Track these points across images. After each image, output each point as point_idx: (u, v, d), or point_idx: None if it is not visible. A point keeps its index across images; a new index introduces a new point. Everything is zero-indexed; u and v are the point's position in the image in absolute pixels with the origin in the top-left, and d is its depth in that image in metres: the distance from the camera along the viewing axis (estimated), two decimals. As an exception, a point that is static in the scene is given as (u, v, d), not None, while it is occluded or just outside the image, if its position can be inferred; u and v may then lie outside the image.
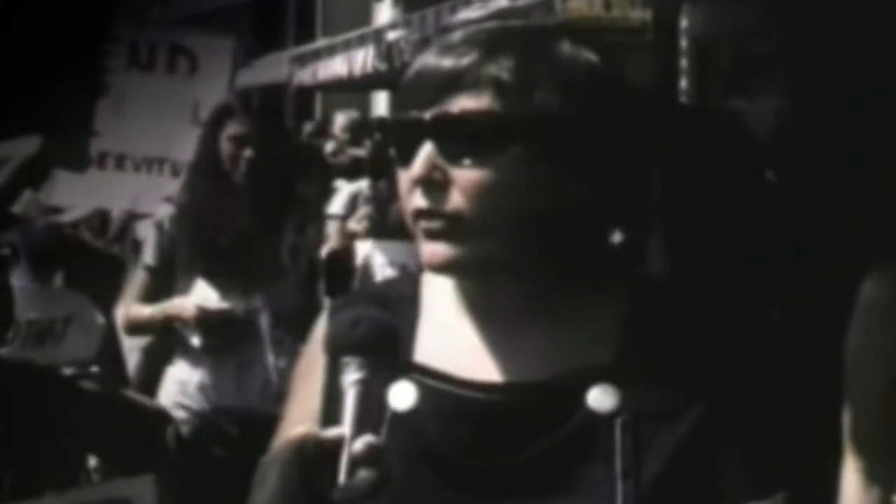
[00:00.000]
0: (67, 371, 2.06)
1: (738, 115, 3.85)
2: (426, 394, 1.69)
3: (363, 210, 6.63)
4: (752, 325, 1.75)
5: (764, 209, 3.68)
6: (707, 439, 1.66)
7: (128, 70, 6.76)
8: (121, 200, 7.08)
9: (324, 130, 9.26)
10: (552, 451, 1.66)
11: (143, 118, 6.86)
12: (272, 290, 4.52)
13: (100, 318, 5.64)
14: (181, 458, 4.44)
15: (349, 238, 6.41)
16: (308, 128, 10.41)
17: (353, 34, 13.76)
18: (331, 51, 14.09)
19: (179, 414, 4.53)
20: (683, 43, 9.53)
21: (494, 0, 8.86)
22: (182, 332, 4.56)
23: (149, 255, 4.70)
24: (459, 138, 1.66)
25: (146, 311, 4.65)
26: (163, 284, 4.65)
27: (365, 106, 15.43)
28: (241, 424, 4.42)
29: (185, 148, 7.01)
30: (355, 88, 14.55)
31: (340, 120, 9.13)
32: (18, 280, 5.55)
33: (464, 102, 1.66)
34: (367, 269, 5.83)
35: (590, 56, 1.71)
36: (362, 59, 12.91)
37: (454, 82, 1.66)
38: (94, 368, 3.71)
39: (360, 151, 8.73)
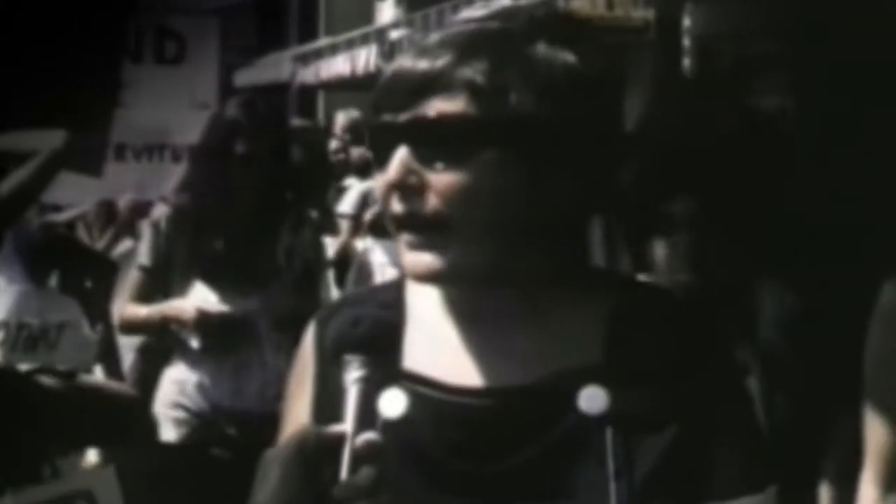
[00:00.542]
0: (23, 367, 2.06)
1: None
2: (416, 401, 1.68)
3: (375, 208, 6.62)
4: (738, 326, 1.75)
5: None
6: (697, 437, 1.66)
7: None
8: (124, 190, 7.09)
9: (327, 130, 9.26)
10: (543, 454, 1.65)
11: (138, 107, 6.86)
12: (268, 291, 4.52)
13: (88, 330, 5.63)
14: (180, 458, 4.46)
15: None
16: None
17: (355, 33, 13.78)
18: (333, 50, 14.12)
19: (178, 414, 4.53)
20: (686, 42, 9.54)
21: (497, -1, 8.85)
22: (180, 334, 4.56)
23: (144, 256, 4.70)
24: (434, 142, 1.64)
25: (142, 311, 4.64)
26: (158, 284, 4.65)
27: (367, 105, 15.42)
28: (239, 425, 4.42)
29: (184, 132, 7.03)
30: (358, 87, 14.55)
31: (342, 119, 9.13)
32: (12, 281, 5.53)
33: (438, 105, 1.64)
34: (363, 267, 5.84)
35: (567, 57, 1.68)
36: (365, 58, 12.93)
37: (428, 85, 1.65)
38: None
39: (364, 150, 8.73)
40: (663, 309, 1.73)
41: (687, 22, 9.52)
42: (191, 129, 7.06)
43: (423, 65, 1.65)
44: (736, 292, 3.43)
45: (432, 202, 1.64)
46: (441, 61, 1.65)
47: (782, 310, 3.44)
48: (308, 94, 16.11)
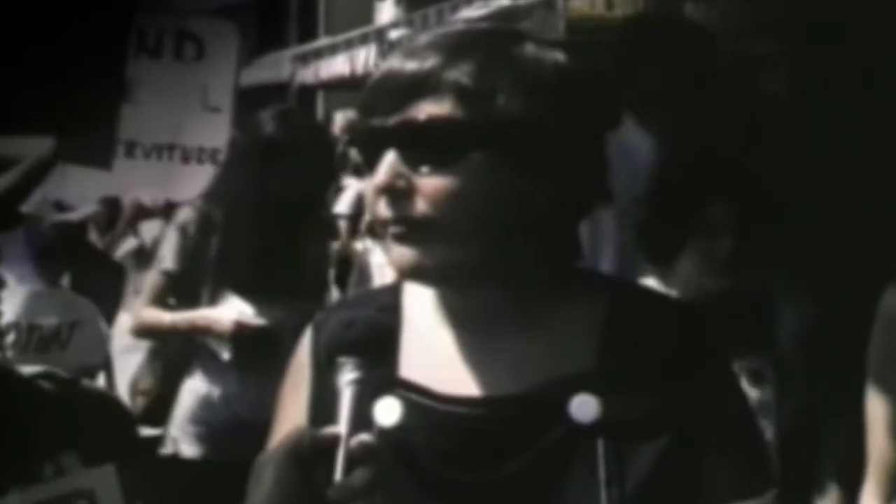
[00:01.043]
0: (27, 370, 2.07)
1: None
2: (411, 409, 1.68)
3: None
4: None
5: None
6: (691, 444, 1.65)
7: (137, 57, 6.74)
8: (132, 187, 7.09)
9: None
10: (536, 462, 1.64)
11: (151, 105, 6.87)
12: (296, 302, 4.44)
13: (104, 326, 5.63)
14: (202, 473, 4.32)
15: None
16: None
17: (355, 33, 13.78)
18: (333, 50, 14.11)
19: (200, 430, 4.41)
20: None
21: (496, -1, 8.86)
22: (209, 345, 4.43)
23: (169, 260, 4.50)
24: (422, 145, 1.63)
25: (166, 317, 4.46)
26: (179, 290, 4.49)
27: (357, 108, 15.42)
28: (261, 437, 4.34)
29: (195, 134, 7.05)
30: (357, 87, 14.52)
31: (340, 119, 9.13)
32: (23, 281, 5.53)
33: (426, 108, 1.63)
34: (363, 269, 5.82)
35: (557, 57, 1.68)
36: (364, 58, 12.92)
37: (416, 88, 1.64)
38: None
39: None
40: (657, 314, 1.72)
41: (686, 22, 9.51)
42: (201, 130, 7.10)
43: (410, 67, 1.65)
44: (762, 299, 3.41)
45: (420, 206, 1.63)
46: (428, 63, 1.64)
47: (802, 320, 3.42)
48: (307, 94, 16.09)
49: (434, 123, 1.63)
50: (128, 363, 5.05)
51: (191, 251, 4.46)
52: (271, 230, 4.43)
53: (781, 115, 3.95)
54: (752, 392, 3.25)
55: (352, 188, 7.60)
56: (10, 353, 4.89)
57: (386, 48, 12.23)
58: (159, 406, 4.50)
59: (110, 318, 6.37)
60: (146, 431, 4.24)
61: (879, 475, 2.71)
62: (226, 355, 4.39)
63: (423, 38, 1.70)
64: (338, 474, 1.52)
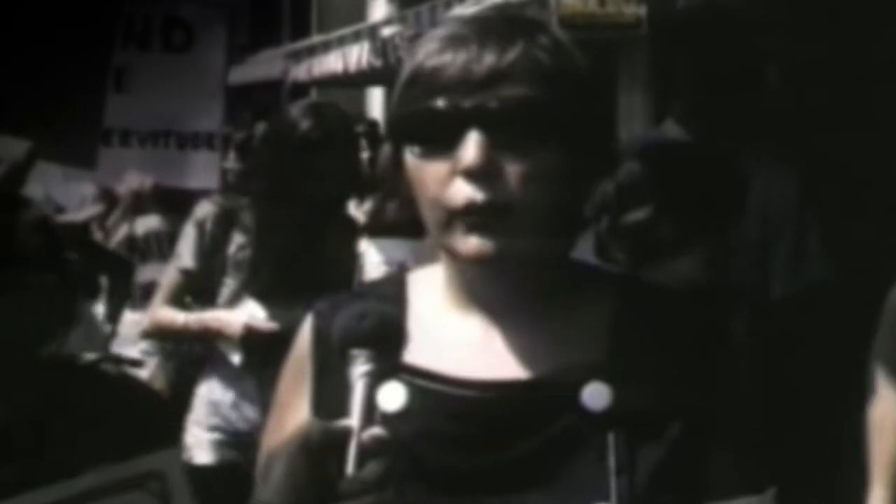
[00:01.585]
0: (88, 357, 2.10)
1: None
2: (416, 394, 1.68)
3: (367, 205, 6.58)
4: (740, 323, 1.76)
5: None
6: (699, 435, 1.66)
7: (125, 46, 6.73)
8: (129, 176, 7.08)
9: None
10: (544, 448, 1.65)
11: (144, 93, 6.86)
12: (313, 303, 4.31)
13: (100, 324, 5.62)
14: (216, 480, 4.20)
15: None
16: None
17: (347, 30, 13.76)
18: (325, 47, 14.09)
19: (214, 437, 4.36)
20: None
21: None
22: (220, 348, 4.35)
23: (187, 258, 4.38)
24: (506, 128, 1.62)
25: (180, 317, 4.37)
26: (196, 288, 4.40)
27: (360, 102, 15.43)
28: None
29: (189, 120, 7.05)
30: (350, 84, 14.55)
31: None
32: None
33: (510, 91, 1.62)
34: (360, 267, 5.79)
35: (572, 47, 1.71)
36: (357, 56, 12.91)
37: (498, 72, 1.62)
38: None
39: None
40: (667, 305, 1.74)
41: (679, 18, 9.50)
42: (196, 117, 7.11)
43: (489, 53, 1.63)
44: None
45: (504, 189, 1.62)
46: (510, 50, 1.63)
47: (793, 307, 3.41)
48: (300, 91, 16.08)
49: (518, 105, 1.62)
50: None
51: (209, 248, 4.36)
52: (303, 229, 4.34)
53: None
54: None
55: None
56: None
57: (378, 45, 12.22)
58: (172, 407, 4.46)
59: (114, 318, 6.36)
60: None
61: (889, 479, 2.65)
62: (236, 359, 4.33)
63: (492, 24, 1.68)
64: (350, 467, 1.52)
